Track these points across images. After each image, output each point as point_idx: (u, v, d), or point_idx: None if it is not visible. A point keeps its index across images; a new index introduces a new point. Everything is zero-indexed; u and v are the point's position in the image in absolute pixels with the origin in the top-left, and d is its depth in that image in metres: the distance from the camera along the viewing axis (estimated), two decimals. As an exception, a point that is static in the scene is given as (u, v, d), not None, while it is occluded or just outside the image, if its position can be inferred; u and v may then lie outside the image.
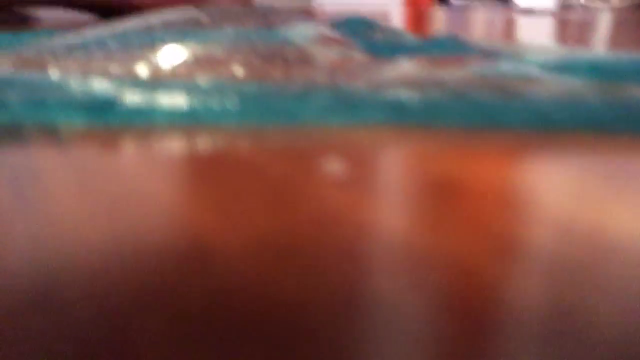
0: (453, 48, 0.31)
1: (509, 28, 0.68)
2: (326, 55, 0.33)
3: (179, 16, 0.29)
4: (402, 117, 0.16)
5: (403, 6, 1.27)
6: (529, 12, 1.00)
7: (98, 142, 0.15)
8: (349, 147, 0.15)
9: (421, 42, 0.33)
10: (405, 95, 0.16)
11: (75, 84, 0.17)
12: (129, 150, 0.15)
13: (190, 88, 0.17)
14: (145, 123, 0.16)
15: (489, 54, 0.30)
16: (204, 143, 0.16)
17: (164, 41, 0.27)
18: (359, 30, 0.42)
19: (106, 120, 0.16)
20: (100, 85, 0.17)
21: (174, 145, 0.15)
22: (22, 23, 0.58)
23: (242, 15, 0.32)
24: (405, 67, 0.24)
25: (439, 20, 0.85)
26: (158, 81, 0.18)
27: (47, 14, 0.68)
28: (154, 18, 0.28)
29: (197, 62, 0.28)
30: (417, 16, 1.00)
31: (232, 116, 0.16)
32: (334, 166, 0.14)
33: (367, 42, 0.36)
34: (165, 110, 0.16)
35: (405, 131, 0.16)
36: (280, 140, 0.16)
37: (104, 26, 0.28)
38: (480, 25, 0.73)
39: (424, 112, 0.16)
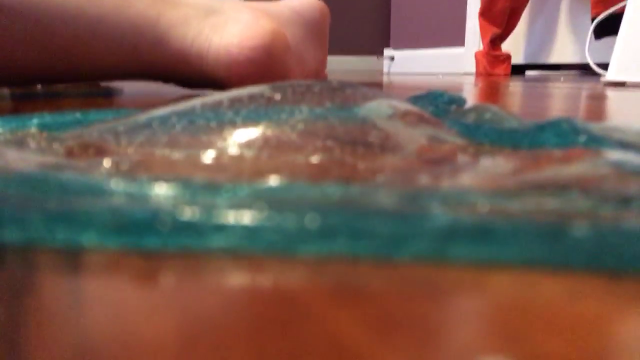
0: (565, 136, 0.26)
1: (600, 104, 0.62)
2: (412, 137, 0.29)
3: (250, 94, 0.26)
4: (560, 254, 0.11)
5: (476, 77, 1.23)
6: (619, 85, 0.93)
7: (132, 270, 0.12)
8: (484, 293, 0.10)
9: (524, 127, 0.28)
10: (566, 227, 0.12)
11: (118, 189, 0.14)
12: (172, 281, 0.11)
13: (256, 197, 0.13)
14: (195, 247, 0.12)
15: (615, 143, 0.24)
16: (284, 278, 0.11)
17: (233, 122, 0.24)
18: (444, 107, 0.38)
19: (145, 244, 0.12)
20: (145, 192, 0.13)
21: (235, 278, 0.11)
22: (104, 97, 0.58)
23: (316, 91, 0.29)
24: (517, 161, 0.20)
25: (518, 94, 0.80)
26: (218, 188, 0.14)
27: (130, 86, 0.69)
28: (224, 96, 0.25)
29: (269, 147, 0.25)
30: (493, 88, 0.96)
31: (314, 243, 0.12)
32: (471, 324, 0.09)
33: (457, 122, 0.32)
34: (224, 236, 0.12)
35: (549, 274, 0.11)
36: (381, 278, 0.11)
37: (173, 104, 0.26)
38: (568, 101, 0.68)
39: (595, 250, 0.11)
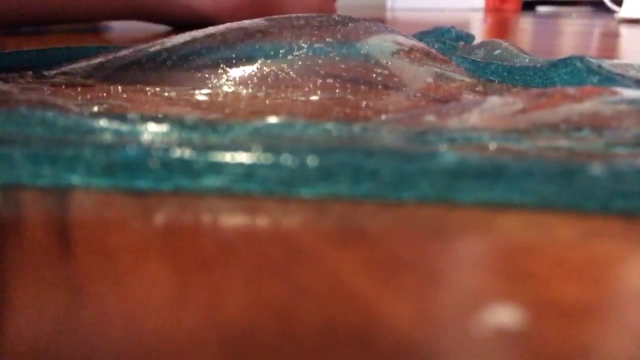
0: (578, 74, 0.25)
1: (614, 42, 0.60)
2: (418, 75, 0.28)
3: (245, 27, 0.25)
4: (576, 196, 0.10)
5: (485, 12, 1.19)
6: (633, 22, 0.90)
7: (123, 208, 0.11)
8: (494, 235, 0.10)
9: (536, 64, 0.27)
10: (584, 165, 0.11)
11: (107, 127, 0.13)
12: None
13: (253, 136, 0.13)
14: (189, 188, 0.11)
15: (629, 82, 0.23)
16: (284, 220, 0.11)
17: (227, 58, 0.23)
18: (452, 44, 0.36)
19: (136, 185, 0.11)
20: (136, 131, 0.13)
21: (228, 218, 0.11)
22: (92, 34, 0.56)
23: (316, 25, 0.27)
24: (527, 99, 0.19)
25: (529, 31, 0.78)
26: (213, 126, 0.13)
27: (118, 25, 0.67)
28: (216, 30, 0.24)
29: (267, 85, 0.24)
30: (503, 24, 0.93)
31: (316, 184, 0.11)
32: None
33: (465, 59, 0.30)
34: (220, 177, 0.11)
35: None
36: (386, 219, 0.11)
37: (162, 40, 0.25)
38: (581, 38, 0.66)
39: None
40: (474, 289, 0.09)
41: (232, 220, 0.11)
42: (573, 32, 0.74)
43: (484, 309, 0.08)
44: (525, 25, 0.91)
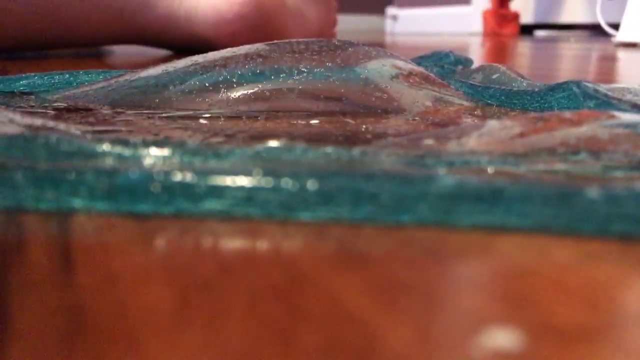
0: (575, 98, 0.25)
1: (611, 65, 0.61)
2: (417, 99, 0.28)
3: (245, 52, 0.25)
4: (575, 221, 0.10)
5: (483, 37, 1.20)
6: (630, 45, 0.91)
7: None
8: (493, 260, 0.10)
9: (533, 88, 0.27)
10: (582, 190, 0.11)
11: (110, 151, 0.13)
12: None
13: (254, 160, 0.13)
14: (190, 212, 0.12)
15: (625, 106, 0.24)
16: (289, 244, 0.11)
17: (228, 82, 0.24)
18: (450, 68, 0.37)
19: (138, 209, 0.12)
20: (138, 155, 0.13)
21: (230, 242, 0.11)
22: (94, 59, 0.57)
23: (316, 50, 0.28)
24: (525, 123, 0.19)
25: (527, 55, 0.79)
26: (214, 150, 0.13)
27: (120, 49, 0.68)
28: (217, 55, 0.25)
29: (267, 109, 0.24)
30: (501, 48, 0.94)
31: (315, 208, 0.11)
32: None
33: (464, 83, 0.31)
34: (223, 198, 0.11)
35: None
36: (385, 243, 0.11)
37: (164, 65, 0.25)
38: (578, 62, 0.66)
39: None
40: (473, 312, 0.09)
41: (233, 244, 0.11)
42: (571, 56, 0.74)
43: (483, 332, 0.08)
44: (523, 49, 0.92)
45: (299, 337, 0.08)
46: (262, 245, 0.11)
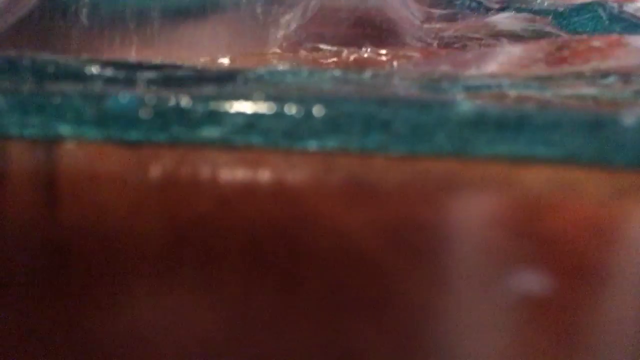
0: (601, 20, 0.24)
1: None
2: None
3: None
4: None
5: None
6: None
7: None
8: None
9: (556, 8, 0.25)
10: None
11: (99, 73, 0.12)
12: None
13: (256, 83, 0.12)
14: (186, 139, 0.11)
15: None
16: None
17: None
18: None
19: (129, 136, 0.11)
20: (129, 77, 0.12)
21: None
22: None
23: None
24: (549, 49, 0.17)
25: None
26: (213, 72, 0.12)
27: None
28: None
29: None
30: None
31: (322, 136, 0.10)
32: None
33: (480, 3, 0.29)
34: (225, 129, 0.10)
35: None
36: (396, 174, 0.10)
37: None
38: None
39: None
40: (495, 253, 0.08)
41: (231, 175, 0.10)
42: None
43: (505, 274, 0.07)
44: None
45: (303, 281, 0.07)
46: (264, 177, 0.10)
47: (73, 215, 0.09)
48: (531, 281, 0.07)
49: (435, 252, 0.08)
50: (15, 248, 0.08)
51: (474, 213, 0.09)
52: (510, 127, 0.10)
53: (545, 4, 0.28)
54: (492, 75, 0.14)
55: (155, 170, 0.10)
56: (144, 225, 0.08)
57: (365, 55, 0.19)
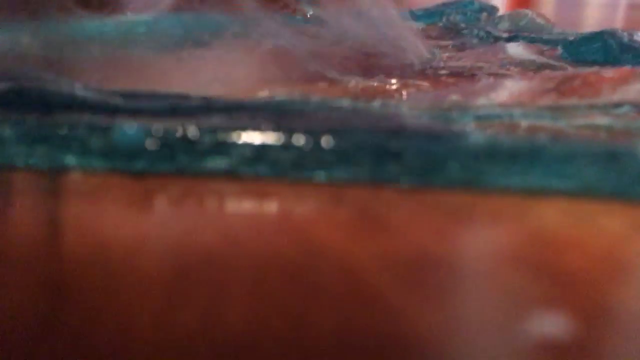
0: (610, 50, 0.24)
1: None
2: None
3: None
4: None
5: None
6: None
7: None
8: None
9: (565, 38, 0.25)
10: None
11: (104, 101, 0.12)
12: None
13: (264, 112, 0.12)
14: (193, 170, 0.11)
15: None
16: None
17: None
18: (475, 15, 0.35)
19: (136, 167, 0.10)
20: (136, 107, 0.12)
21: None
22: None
23: None
24: (561, 79, 0.17)
25: (551, 2, 0.75)
26: (221, 101, 0.12)
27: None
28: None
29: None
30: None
31: (331, 167, 0.10)
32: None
33: (489, 33, 0.29)
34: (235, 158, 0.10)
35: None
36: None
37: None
38: (606, 10, 0.63)
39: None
40: (509, 290, 0.08)
41: (238, 207, 0.10)
42: (597, 4, 0.71)
43: (521, 313, 0.07)
44: (549, -3, 0.87)
45: (309, 318, 0.07)
46: (270, 209, 0.10)
47: (75, 248, 0.08)
48: (547, 322, 0.07)
49: (447, 289, 0.08)
50: (10, 285, 0.08)
51: (488, 248, 0.09)
52: (523, 158, 0.10)
53: (554, 33, 0.28)
54: (503, 105, 0.14)
55: (160, 202, 0.10)
56: (148, 260, 0.08)
57: (375, 84, 0.19)
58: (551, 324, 0.07)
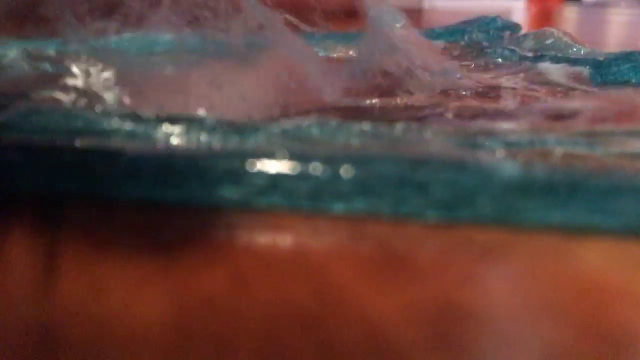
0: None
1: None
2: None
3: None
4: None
5: (528, 2, 1.14)
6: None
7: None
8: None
9: (595, 57, 0.24)
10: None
11: (117, 127, 0.11)
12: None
13: (280, 139, 0.11)
14: (202, 200, 0.10)
15: None
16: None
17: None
18: (497, 33, 0.34)
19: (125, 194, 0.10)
20: (149, 131, 0.11)
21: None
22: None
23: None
24: (595, 102, 0.16)
25: (575, 21, 0.74)
26: (232, 127, 0.11)
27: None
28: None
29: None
30: (546, 14, 0.89)
31: (350, 199, 0.09)
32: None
33: (513, 52, 0.28)
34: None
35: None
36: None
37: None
38: (632, 29, 0.61)
39: None
40: (548, 345, 0.07)
41: (252, 239, 0.09)
42: (622, 23, 0.69)
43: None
44: (571, 15, 0.86)
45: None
46: (284, 244, 0.09)
47: (68, 291, 0.08)
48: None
49: (479, 345, 0.07)
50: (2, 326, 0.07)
51: (523, 295, 0.08)
52: (563, 192, 0.09)
53: (583, 52, 0.27)
54: (535, 130, 0.13)
55: (165, 236, 0.09)
56: (146, 307, 0.07)
57: (399, 102, 0.18)
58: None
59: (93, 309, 0.07)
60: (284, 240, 0.09)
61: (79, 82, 0.14)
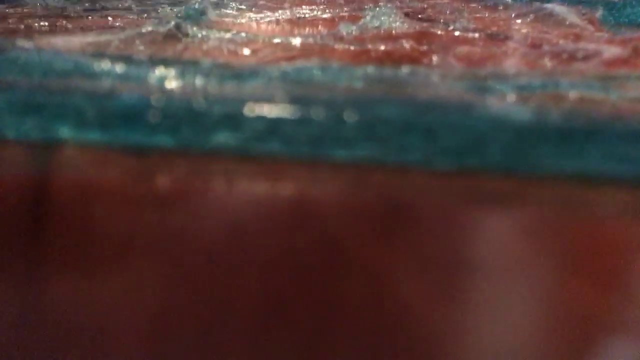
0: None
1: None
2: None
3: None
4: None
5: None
6: None
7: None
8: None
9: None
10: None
11: (107, 69, 0.11)
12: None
13: (279, 83, 0.10)
14: (199, 146, 0.09)
15: None
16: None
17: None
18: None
19: (135, 140, 0.09)
20: (137, 75, 0.10)
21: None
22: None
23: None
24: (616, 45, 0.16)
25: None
26: (231, 70, 0.11)
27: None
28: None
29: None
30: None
31: (353, 145, 0.09)
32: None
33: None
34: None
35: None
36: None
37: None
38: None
39: None
40: (560, 297, 0.06)
41: (250, 188, 0.09)
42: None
43: (568, 315, 0.06)
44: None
45: (328, 330, 0.06)
46: (284, 193, 0.09)
47: (63, 231, 0.07)
48: (604, 343, 0.06)
49: (488, 298, 0.06)
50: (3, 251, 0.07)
51: (535, 247, 0.07)
52: (577, 138, 0.09)
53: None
54: (547, 73, 0.13)
55: (161, 183, 0.09)
56: (139, 259, 0.07)
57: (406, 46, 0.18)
58: (612, 346, 0.06)
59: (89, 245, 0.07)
60: (284, 189, 0.09)
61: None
